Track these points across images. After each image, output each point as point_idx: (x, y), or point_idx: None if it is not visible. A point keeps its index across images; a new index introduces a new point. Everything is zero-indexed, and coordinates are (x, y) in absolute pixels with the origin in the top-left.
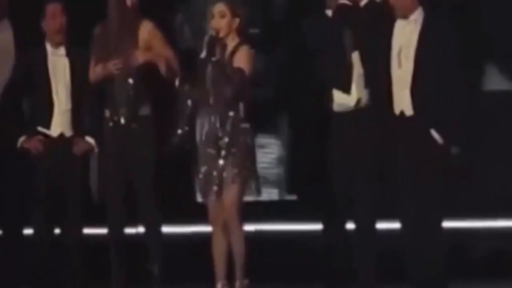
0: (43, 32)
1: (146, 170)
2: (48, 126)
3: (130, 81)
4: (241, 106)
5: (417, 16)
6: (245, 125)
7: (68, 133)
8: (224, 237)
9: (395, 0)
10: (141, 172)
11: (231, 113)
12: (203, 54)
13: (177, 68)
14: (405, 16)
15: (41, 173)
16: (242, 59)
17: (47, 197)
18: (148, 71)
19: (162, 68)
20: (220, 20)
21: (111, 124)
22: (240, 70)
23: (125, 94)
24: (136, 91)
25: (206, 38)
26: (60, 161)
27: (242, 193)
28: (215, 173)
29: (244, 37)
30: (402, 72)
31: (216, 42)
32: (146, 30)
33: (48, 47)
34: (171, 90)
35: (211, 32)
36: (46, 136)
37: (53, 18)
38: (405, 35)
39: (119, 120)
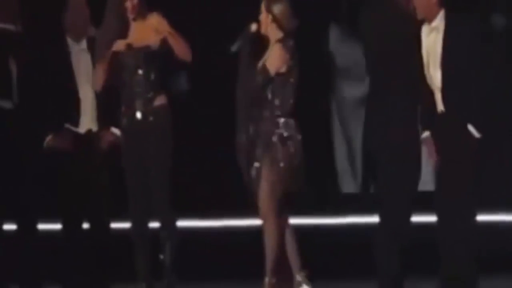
0: (63, 26)
1: (163, 164)
2: (75, 123)
3: (140, 71)
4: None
5: (439, 22)
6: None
7: (95, 128)
8: None
9: (418, 2)
10: (158, 166)
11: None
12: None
13: (188, 48)
14: (428, 20)
15: (70, 170)
16: (270, 57)
17: (77, 193)
18: (158, 58)
19: (174, 46)
20: (261, 14)
21: (125, 120)
22: (263, 67)
23: (137, 86)
24: (148, 81)
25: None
26: (88, 156)
27: (271, 189)
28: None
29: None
30: (431, 76)
31: (250, 35)
32: (155, 19)
33: (70, 42)
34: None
35: (252, 25)
36: (73, 132)
37: (76, 10)
38: (430, 42)
39: (134, 114)
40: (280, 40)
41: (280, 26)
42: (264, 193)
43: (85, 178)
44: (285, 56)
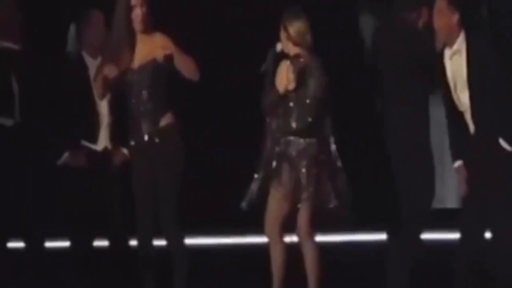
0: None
1: (171, 185)
2: (93, 140)
3: (146, 89)
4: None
5: (461, 44)
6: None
7: (110, 146)
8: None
9: (439, 25)
10: (166, 186)
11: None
12: None
13: (195, 67)
14: (449, 43)
15: (87, 186)
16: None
17: (91, 210)
18: (165, 74)
19: (181, 65)
20: (281, 33)
21: (133, 142)
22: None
23: (143, 104)
24: (154, 99)
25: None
26: (104, 173)
27: (274, 207)
28: None
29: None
30: (458, 98)
31: (276, 54)
32: (160, 41)
33: (87, 58)
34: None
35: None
36: (89, 149)
37: (95, 27)
38: (454, 65)
39: (141, 136)
40: (291, 58)
41: (296, 44)
42: (268, 212)
43: (100, 195)
44: (292, 73)
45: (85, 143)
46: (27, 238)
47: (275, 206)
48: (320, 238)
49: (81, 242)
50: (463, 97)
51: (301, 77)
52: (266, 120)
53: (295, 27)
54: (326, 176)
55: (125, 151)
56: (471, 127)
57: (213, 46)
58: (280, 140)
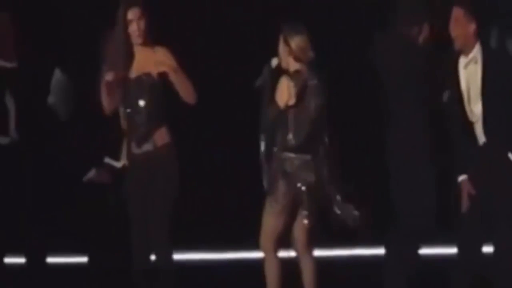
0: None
1: (165, 201)
2: (117, 158)
3: (141, 102)
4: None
5: (476, 53)
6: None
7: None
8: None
9: (456, 34)
10: (159, 202)
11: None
12: None
13: (192, 90)
14: (465, 51)
15: (110, 204)
16: (277, 91)
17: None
18: (161, 89)
19: (178, 86)
20: (280, 47)
21: (128, 154)
22: (272, 101)
23: (138, 118)
24: (148, 114)
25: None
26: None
27: (269, 223)
28: None
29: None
30: (471, 109)
31: (272, 70)
32: (162, 55)
33: None
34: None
35: (272, 60)
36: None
37: (117, 43)
38: (469, 74)
39: (136, 149)
40: (291, 73)
41: (297, 59)
42: (263, 227)
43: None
44: (293, 88)
45: (108, 160)
46: (37, 253)
47: (271, 221)
48: (318, 252)
49: (100, 258)
50: (475, 107)
51: (301, 93)
52: (261, 136)
53: (297, 41)
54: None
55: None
56: (481, 139)
57: (212, 46)
58: (277, 156)
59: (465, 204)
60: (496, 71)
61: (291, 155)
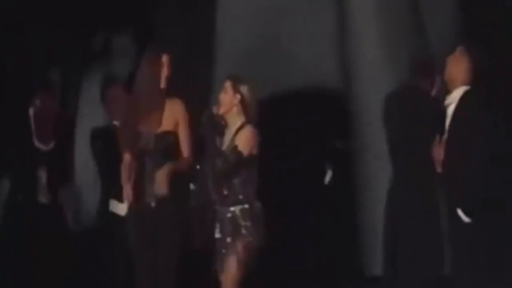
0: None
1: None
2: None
3: (149, 155)
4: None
5: (457, 93)
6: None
7: None
8: None
9: (450, 74)
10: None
11: (225, 192)
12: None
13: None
14: (452, 88)
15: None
16: (241, 139)
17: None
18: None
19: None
20: (223, 95)
21: (135, 205)
22: (235, 149)
23: (145, 174)
24: (158, 167)
25: (205, 113)
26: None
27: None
28: None
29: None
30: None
31: (213, 118)
32: (178, 109)
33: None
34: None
35: (212, 108)
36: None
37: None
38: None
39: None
40: (247, 122)
41: (245, 108)
42: (231, 274)
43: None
44: (257, 138)
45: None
46: None
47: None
48: None
49: None
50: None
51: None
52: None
53: (248, 91)
54: None
55: None
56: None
57: None
58: (241, 207)
59: None
60: (464, 118)
61: (243, 205)
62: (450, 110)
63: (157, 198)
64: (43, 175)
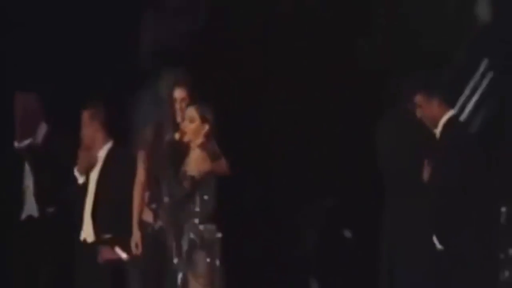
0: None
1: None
2: None
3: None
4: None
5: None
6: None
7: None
8: None
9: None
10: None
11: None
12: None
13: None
14: (434, 126)
15: None
16: (191, 163)
17: None
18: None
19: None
20: (189, 124)
21: (156, 227)
22: (185, 174)
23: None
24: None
25: (167, 138)
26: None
27: None
28: None
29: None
30: None
31: (177, 146)
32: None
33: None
34: None
35: (175, 134)
36: None
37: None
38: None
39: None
40: (200, 145)
41: (207, 134)
42: None
43: None
44: (207, 158)
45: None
46: None
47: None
48: None
49: None
50: None
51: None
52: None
53: (211, 117)
54: None
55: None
56: None
57: None
58: (200, 228)
59: None
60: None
61: (203, 226)
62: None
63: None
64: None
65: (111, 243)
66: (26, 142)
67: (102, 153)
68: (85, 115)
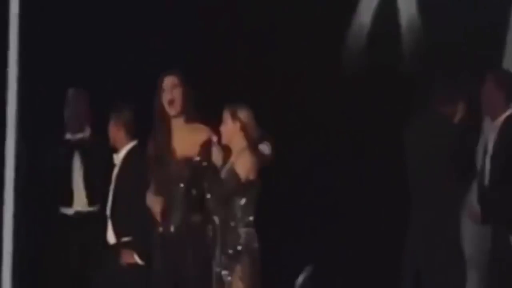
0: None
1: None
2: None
3: (181, 185)
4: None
5: (500, 121)
6: None
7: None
8: None
9: (485, 97)
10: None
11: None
12: None
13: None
14: (492, 117)
15: None
16: (239, 164)
17: None
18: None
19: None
20: (223, 126)
21: (161, 229)
22: (233, 172)
23: (176, 200)
24: (187, 197)
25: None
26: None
27: None
28: None
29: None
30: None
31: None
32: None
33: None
34: None
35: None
36: None
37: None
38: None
39: (169, 226)
40: (248, 147)
41: (247, 134)
42: None
43: None
44: (256, 163)
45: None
46: None
47: None
48: None
49: None
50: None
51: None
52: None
53: (248, 117)
54: None
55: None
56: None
57: None
58: (241, 232)
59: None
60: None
61: (244, 229)
62: (491, 138)
63: (190, 224)
64: None
65: (131, 247)
66: (78, 136)
67: (122, 154)
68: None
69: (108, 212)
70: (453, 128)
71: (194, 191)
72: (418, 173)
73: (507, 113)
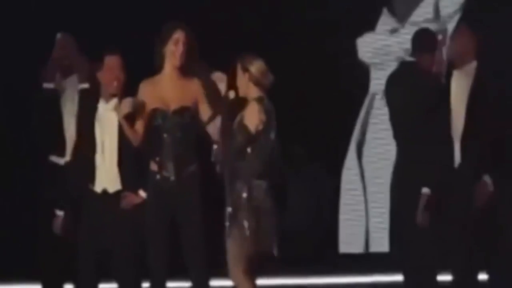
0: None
1: (194, 228)
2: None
3: (178, 134)
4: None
5: (471, 69)
6: None
7: (113, 189)
8: None
9: (456, 47)
10: (189, 230)
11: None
12: None
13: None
14: (459, 66)
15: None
16: (246, 115)
17: (93, 256)
18: (195, 127)
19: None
20: (237, 80)
21: (158, 177)
22: (241, 123)
23: (173, 148)
24: (184, 146)
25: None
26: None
27: (237, 250)
28: None
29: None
30: (454, 125)
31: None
32: (196, 87)
33: (101, 100)
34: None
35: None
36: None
37: (110, 70)
38: (458, 89)
39: (168, 175)
40: (256, 99)
41: (258, 84)
42: (231, 254)
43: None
44: (262, 113)
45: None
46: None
47: (238, 248)
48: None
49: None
50: (457, 125)
51: (269, 119)
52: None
53: (256, 66)
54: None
55: (142, 193)
56: (457, 159)
57: None
58: (245, 183)
59: (419, 217)
60: (484, 92)
61: (259, 182)
62: (460, 85)
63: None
64: None
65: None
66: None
67: (114, 101)
68: None
69: (113, 161)
70: (431, 76)
71: (188, 140)
72: (402, 128)
73: (474, 63)
